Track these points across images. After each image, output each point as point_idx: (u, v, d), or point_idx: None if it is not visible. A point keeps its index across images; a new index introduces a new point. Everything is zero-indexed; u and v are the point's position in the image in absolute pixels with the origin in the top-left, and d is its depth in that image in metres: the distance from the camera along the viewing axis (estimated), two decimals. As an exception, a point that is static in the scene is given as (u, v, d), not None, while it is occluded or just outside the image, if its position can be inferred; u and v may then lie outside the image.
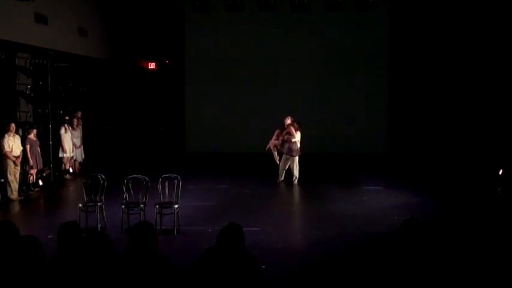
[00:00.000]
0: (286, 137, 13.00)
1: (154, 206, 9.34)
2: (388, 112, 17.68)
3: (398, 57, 17.35)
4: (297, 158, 13.12)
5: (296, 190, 12.83)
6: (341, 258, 7.74)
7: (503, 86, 15.28)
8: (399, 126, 17.30)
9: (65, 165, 14.83)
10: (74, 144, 14.96)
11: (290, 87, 18.08)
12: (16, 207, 11.62)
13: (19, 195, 12.28)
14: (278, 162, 13.36)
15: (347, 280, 6.86)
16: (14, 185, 12.16)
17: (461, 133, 16.25)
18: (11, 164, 12.08)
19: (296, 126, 13.14)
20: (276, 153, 13.44)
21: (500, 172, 12.86)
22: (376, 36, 17.74)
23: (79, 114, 15.53)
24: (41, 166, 13.40)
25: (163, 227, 9.12)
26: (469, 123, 16.19)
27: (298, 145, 13.11)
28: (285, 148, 13.03)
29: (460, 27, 16.19)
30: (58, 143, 14.65)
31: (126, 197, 9.21)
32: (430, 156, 16.11)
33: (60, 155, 14.69)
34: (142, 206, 9.30)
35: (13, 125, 12.15)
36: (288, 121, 13.18)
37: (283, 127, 13.23)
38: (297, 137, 13.04)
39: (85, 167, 15.41)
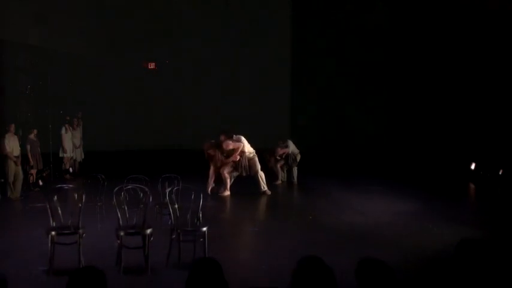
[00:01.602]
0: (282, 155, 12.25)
1: (155, 206, 8.65)
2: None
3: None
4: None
5: (297, 189, 12.14)
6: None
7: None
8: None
9: (65, 165, 14.40)
10: (73, 144, 14.56)
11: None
12: (16, 207, 11.19)
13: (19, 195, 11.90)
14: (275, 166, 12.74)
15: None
16: (16, 185, 11.87)
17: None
18: (11, 164, 11.75)
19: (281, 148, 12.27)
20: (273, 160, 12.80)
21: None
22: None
23: (79, 114, 15.03)
24: (41, 166, 13.00)
25: (163, 227, 8.34)
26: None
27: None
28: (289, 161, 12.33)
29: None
30: (58, 143, 14.27)
31: (126, 196, 8.53)
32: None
33: (61, 154, 14.29)
34: (142, 206, 8.58)
35: (13, 126, 11.87)
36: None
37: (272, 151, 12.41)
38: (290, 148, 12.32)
39: (85, 167, 14.92)
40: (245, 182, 11.26)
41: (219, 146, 11.04)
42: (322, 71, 16.69)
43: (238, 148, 11.07)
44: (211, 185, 11.03)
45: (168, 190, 7.31)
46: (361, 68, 16.13)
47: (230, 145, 11.07)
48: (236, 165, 11.16)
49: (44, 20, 12.79)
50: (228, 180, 11.17)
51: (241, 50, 15.89)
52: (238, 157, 11.07)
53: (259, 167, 11.28)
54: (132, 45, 17.69)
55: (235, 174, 11.29)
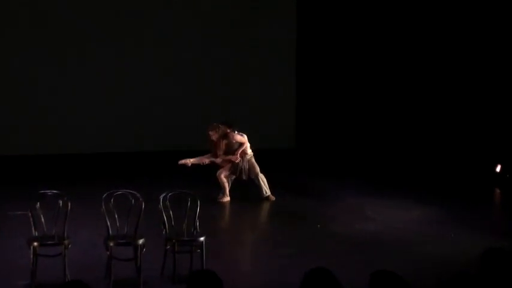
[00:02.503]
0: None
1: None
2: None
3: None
4: None
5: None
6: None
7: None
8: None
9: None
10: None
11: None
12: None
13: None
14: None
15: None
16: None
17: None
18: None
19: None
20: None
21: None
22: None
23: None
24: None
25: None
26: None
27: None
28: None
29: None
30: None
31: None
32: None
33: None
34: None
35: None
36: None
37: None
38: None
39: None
40: (246, 186, 11.15)
41: (225, 135, 10.83)
42: (331, 65, 16.60)
43: (243, 144, 10.77)
44: (189, 161, 10.58)
45: (162, 196, 7.21)
46: (373, 63, 16.07)
47: (237, 137, 10.75)
48: (235, 168, 10.95)
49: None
50: (226, 185, 10.97)
51: (242, 43, 15.80)
52: (238, 158, 10.89)
53: (258, 169, 11.12)
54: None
55: (232, 177, 11.09)
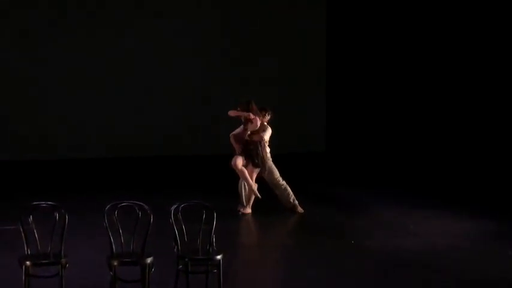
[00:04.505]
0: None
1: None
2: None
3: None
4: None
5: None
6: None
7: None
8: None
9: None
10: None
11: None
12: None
13: None
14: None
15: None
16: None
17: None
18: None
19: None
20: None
21: None
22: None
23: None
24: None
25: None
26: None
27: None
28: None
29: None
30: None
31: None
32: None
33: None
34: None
35: None
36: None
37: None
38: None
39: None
40: (269, 195, 11.08)
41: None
42: (365, 61, 16.82)
43: (265, 130, 10.62)
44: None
45: (173, 208, 7.08)
46: (412, 63, 16.28)
47: (258, 121, 10.54)
48: (250, 154, 10.54)
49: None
50: (255, 192, 10.64)
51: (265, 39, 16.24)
52: (252, 116, 10.48)
53: (278, 174, 10.91)
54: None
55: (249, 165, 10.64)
